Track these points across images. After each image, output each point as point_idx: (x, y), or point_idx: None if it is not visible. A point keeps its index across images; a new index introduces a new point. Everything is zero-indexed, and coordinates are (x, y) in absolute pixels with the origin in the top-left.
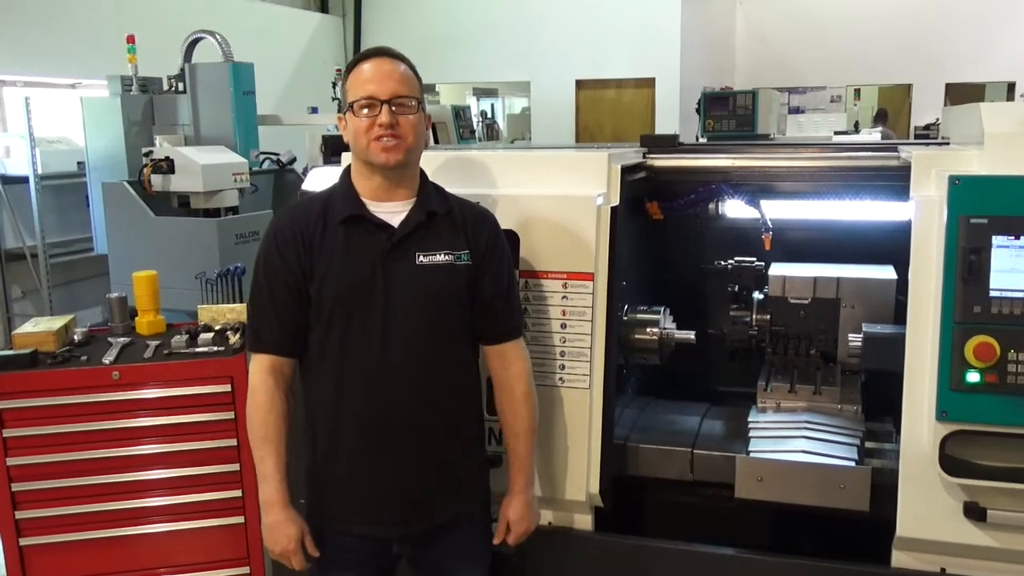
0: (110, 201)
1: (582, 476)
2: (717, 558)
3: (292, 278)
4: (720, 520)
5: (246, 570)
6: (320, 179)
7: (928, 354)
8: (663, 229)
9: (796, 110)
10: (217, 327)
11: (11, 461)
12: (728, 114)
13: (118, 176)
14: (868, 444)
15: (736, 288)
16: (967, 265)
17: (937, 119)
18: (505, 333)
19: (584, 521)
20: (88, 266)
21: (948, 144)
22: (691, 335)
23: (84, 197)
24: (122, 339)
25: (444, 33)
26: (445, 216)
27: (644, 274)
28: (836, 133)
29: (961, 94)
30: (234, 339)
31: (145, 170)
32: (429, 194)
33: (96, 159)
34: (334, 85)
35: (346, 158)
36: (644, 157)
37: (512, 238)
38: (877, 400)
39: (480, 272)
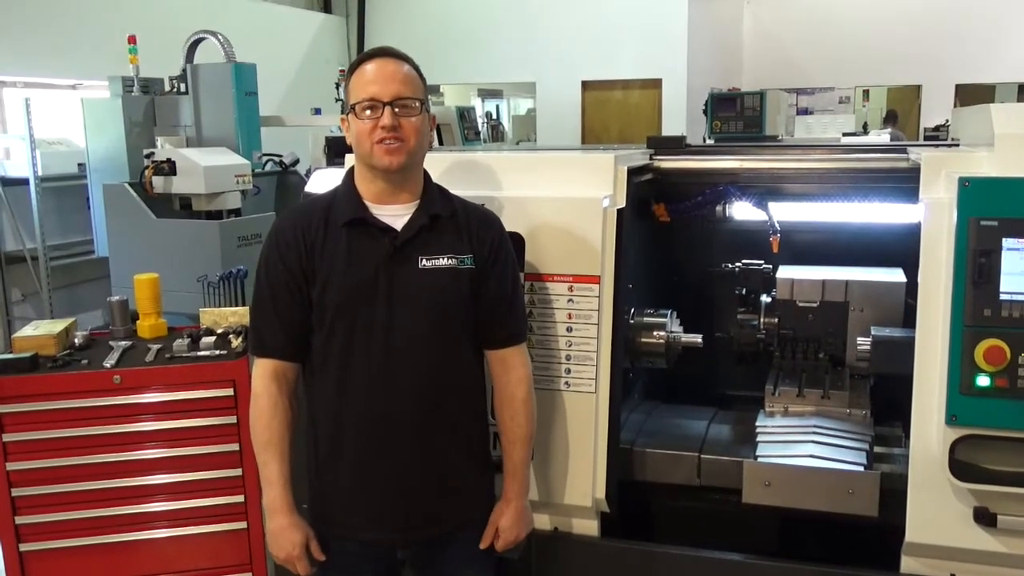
0: (111, 203)
1: (588, 481)
2: (724, 564)
3: (294, 281)
4: (727, 525)
5: None
6: (323, 181)
7: (938, 358)
8: (670, 231)
9: (804, 111)
10: (219, 330)
11: (11, 466)
12: (735, 115)
13: (119, 178)
14: (877, 449)
15: (744, 291)
16: (977, 268)
17: (947, 120)
18: (507, 338)
19: (590, 527)
20: (89, 269)
21: (958, 146)
22: (698, 338)
23: (85, 199)
24: (123, 343)
25: (448, 33)
26: (449, 219)
27: (651, 277)
28: (845, 134)
29: (971, 95)
30: (236, 343)
31: (146, 172)
32: (433, 197)
33: (97, 161)
34: (337, 86)
35: (349, 160)
36: (651, 159)
37: (517, 241)
38: (886, 404)
39: (484, 276)
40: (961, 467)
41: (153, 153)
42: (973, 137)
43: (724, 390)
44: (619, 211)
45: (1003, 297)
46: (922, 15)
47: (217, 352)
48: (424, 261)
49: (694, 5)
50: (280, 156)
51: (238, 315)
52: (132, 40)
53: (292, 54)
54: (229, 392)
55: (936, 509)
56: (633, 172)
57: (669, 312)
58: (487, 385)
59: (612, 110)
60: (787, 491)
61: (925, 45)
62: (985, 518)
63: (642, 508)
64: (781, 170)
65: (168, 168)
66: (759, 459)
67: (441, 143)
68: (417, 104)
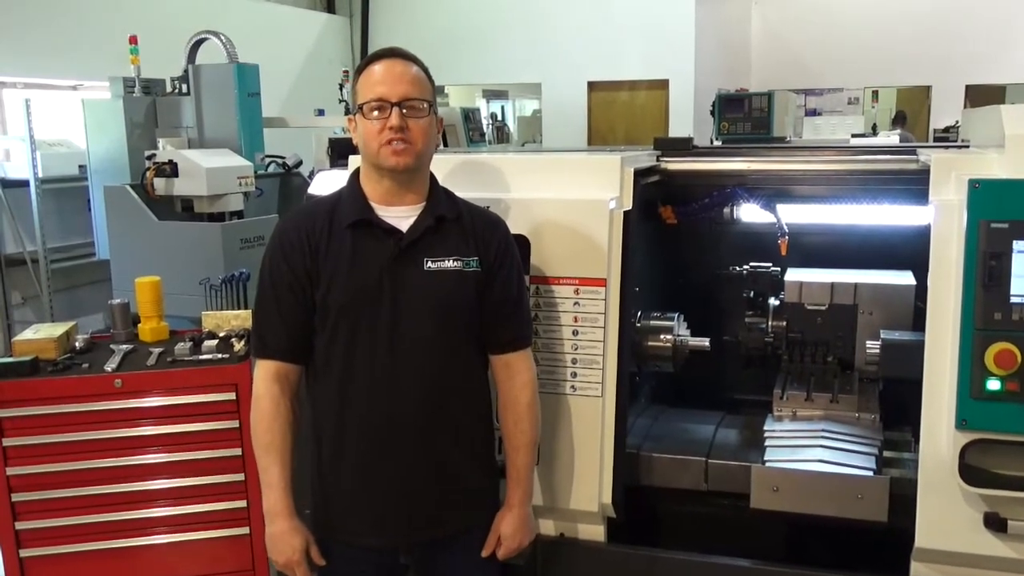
0: (112, 205)
1: (594, 486)
2: (732, 570)
3: (298, 283)
4: (735, 531)
5: None
6: (327, 182)
7: (948, 361)
8: (677, 234)
9: (813, 112)
10: (221, 334)
11: (11, 471)
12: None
13: (120, 180)
14: (886, 453)
15: (751, 294)
16: (987, 270)
17: (957, 121)
18: (512, 342)
19: (596, 532)
20: (90, 271)
21: (968, 147)
22: (705, 342)
23: (86, 201)
24: (124, 346)
25: (453, 34)
26: (455, 221)
27: (657, 280)
28: (853, 136)
29: (981, 96)
30: (239, 346)
31: (148, 173)
32: (439, 199)
33: (98, 162)
34: (341, 87)
35: (353, 161)
36: (658, 160)
37: (523, 243)
38: (895, 408)
39: (489, 279)
40: (971, 472)
41: (155, 155)
42: (983, 138)
43: (732, 394)
44: (625, 213)
45: (1014, 300)
46: (932, 15)
47: (219, 356)
48: (429, 263)
49: (701, 5)
50: (283, 158)
51: (240, 318)
52: (133, 40)
53: (295, 55)
54: (231, 396)
55: (946, 514)
56: (640, 174)
57: (676, 315)
58: (492, 389)
59: (618, 111)
60: (795, 496)
61: (935, 45)
62: (996, 523)
63: (649, 513)
64: (789, 172)
65: (170, 170)
66: (767, 464)
67: (446, 145)
68: (425, 105)
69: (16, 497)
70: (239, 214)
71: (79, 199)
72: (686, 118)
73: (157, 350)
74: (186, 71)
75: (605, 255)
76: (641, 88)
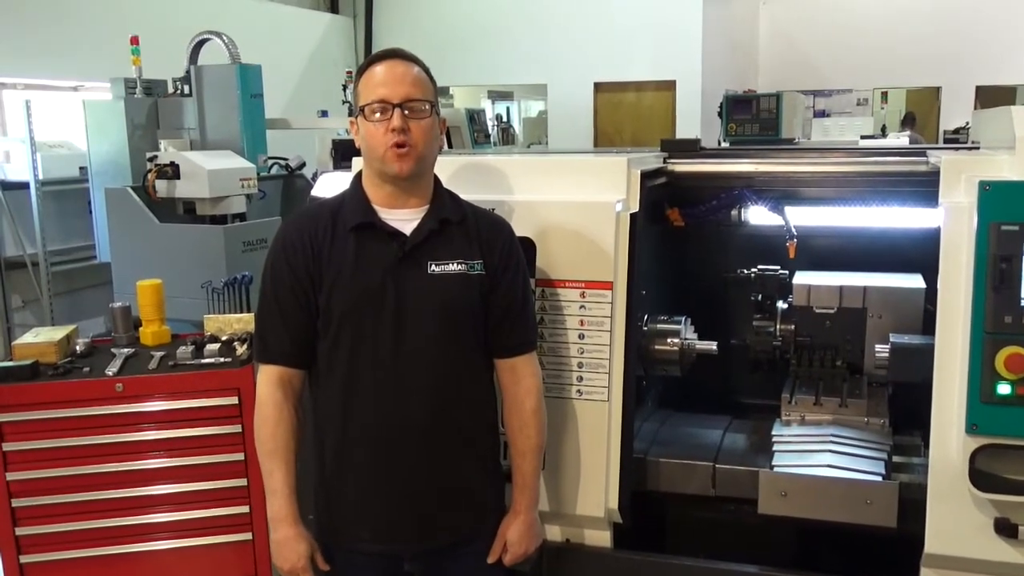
0: (113, 207)
1: (600, 491)
2: None
3: (300, 286)
4: (743, 536)
5: None
6: (330, 184)
7: (958, 365)
8: (684, 236)
9: (821, 113)
10: (224, 337)
11: (11, 476)
12: (751, 118)
13: (121, 182)
14: (896, 458)
15: (759, 297)
16: (998, 273)
17: (967, 123)
18: (517, 346)
19: (602, 538)
20: (90, 275)
21: (978, 148)
22: (713, 346)
23: (86, 203)
24: (126, 350)
25: (458, 34)
26: (459, 224)
27: (664, 283)
28: (863, 137)
29: (992, 97)
30: (241, 350)
31: (149, 175)
32: (443, 201)
33: (99, 164)
34: (344, 88)
35: (357, 163)
36: (664, 162)
37: (529, 246)
38: (905, 413)
39: (494, 283)
40: (982, 477)
41: (156, 156)
42: (994, 140)
43: (739, 398)
44: (632, 215)
45: None
46: (941, 15)
47: (221, 360)
48: (433, 266)
49: (709, 5)
50: (286, 159)
51: (243, 322)
52: (135, 41)
53: (298, 55)
54: (234, 400)
55: (956, 520)
56: (647, 176)
57: (683, 319)
58: (497, 393)
59: (625, 112)
60: (804, 501)
61: (945, 46)
62: (1006, 529)
63: (656, 519)
64: (798, 174)
65: (171, 172)
66: (775, 469)
67: (451, 146)
68: (427, 107)
69: (16, 502)
70: (241, 216)
71: (80, 201)
72: (693, 119)
73: (159, 354)
74: (188, 72)
75: (611, 258)
76: (648, 89)
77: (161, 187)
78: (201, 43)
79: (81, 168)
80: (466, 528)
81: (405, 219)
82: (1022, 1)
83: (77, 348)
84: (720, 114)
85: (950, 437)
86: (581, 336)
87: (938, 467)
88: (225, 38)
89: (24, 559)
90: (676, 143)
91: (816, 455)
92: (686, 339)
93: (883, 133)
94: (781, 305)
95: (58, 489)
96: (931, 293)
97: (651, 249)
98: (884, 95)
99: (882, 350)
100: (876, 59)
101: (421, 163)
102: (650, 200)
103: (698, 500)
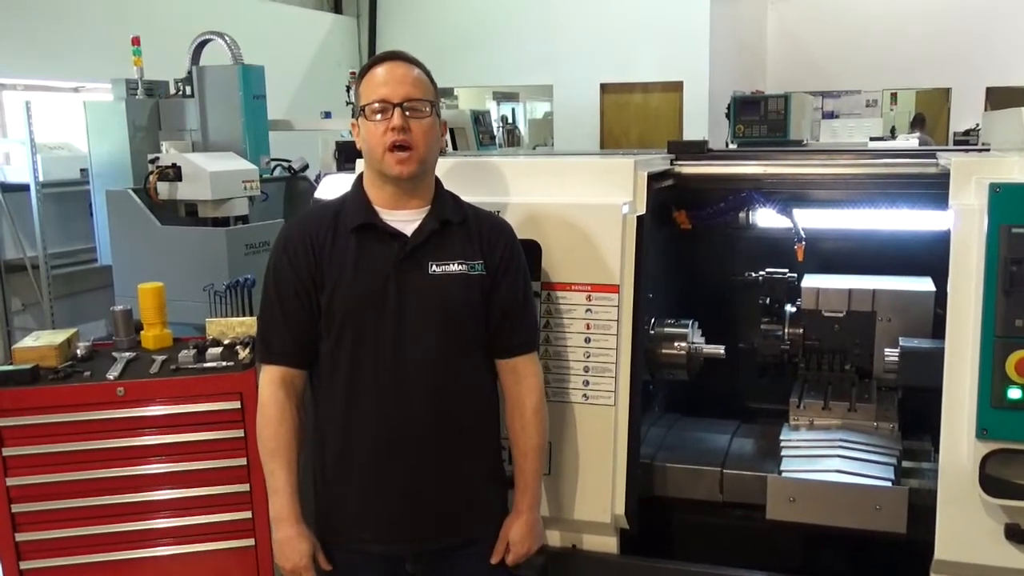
0: (114, 210)
1: (607, 496)
2: None
3: (302, 287)
4: (751, 542)
5: None
6: (333, 187)
7: (968, 370)
8: (691, 239)
9: (830, 115)
10: (226, 341)
11: (11, 481)
12: (759, 119)
13: (123, 184)
14: (905, 463)
15: (767, 301)
16: (1009, 276)
17: (977, 124)
18: (518, 347)
19: (608, 543)
20: (91, 278)
21: (988, 150)
22: (720, 350)
23: (87, 206)
24: (127, 354)
25: (463, 34)
26: (460, 225)
27: (671, 286)
28: (872, 139)
29: (1002, 98)
30: (244, 354)
31: (151, 177)
32: (444, 202)
33: (100, 166)
34: (348, 89)
35: (360, 165)
36: (672, 164)
37: (534, 249)
38: (915, 417)
39: (495, 283)
40: (992, 482)
41: (158, 158)
42: (1004, 141)
43: (747, 403)
44: (639, 218)
45: None
46: (951, 16)
47: (224, 363)
48: (434, 267)
49: (716, 5)
50: (289, 161)
51: (245, 325)
52: (136, 41)
53: (301, 56)
54: (236, 405)
55: (966, 526)
56: (653, 178)
57: (690, 322)
58: (499, 395)
59: (632, 114)
60: (812, 507)
61: (955, 46)
62: (1017, 535)
63: (663, 525)
64: (806, 176)
65: (173, 174)
66: (783, 474)
67: (455, 148)
68: (428, 107)
69: (16, 508)
70: (244, 219)
71: (80, 203)
72: (701, 121)
73: (160, 358)
74: (190, 73)
75: (618, 261)
76: (655, 90)
77: (163, 189)
78: (203, 44)
79: (82, 170)
80: (467, 529)
81: (406, 220)
82: None
83: (78, 352)
84: (728, 115)
85: (960, 442)
86: (587, 340)
87: (948, 472)
88: (227, 38)
89: (24, 565)
90: (683, 145)
91: (825, 460)
92: (693, 343)
93: (892, 135)
94: (789, 309)
95: (59, 494)
96: (941, 296)
97: (658, 252)
98: (893, 96)
99: (891, 354)
100: (885, 60)
101: (421, 165)
102: (657, 202)
103: (705, 506)
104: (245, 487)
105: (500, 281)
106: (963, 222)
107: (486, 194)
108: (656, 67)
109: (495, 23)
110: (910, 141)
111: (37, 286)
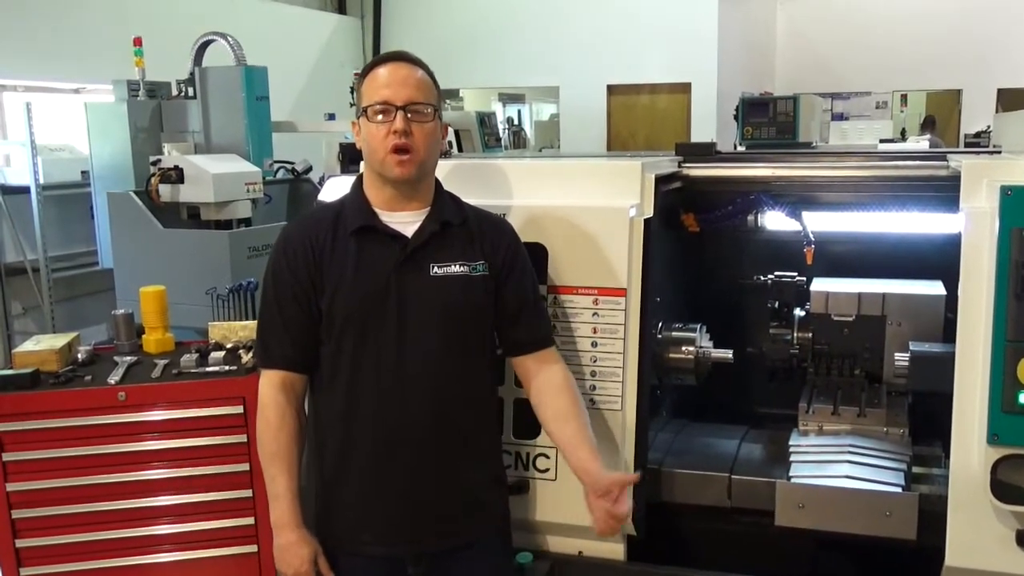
0: (116, 212)
1: None
2: None
3: (302, 291)
4: (759, 549)
5: None
6: (337, 189)
7: (979, 374)
8: (699, 242)
9: (839, 117)
10: (229, 345)
11: (11, 487)
12: (768, 121)
13: (124, 186)
14: (915, 469)
15: (776, 304)
16: (1020, 280)
17: (988, 126)
18: (541, 340)
19: (616, 550)
20: (92, 281)
21: (1000, 152)
22: (729, 354)
23: (88, 208)
24: (128, 358)
25: (468, 35)
26: (460, 226)
27: (679, 290)
28: (882, 141)
29: (1014, 100)
30: (247, 358)
31: (153, 180)
32: (444, 203)
33: (101, 168)
34: (352, 90)
35: (362, 167)
36: (679, 166)
37: (540, 252)
38: (925, 423)
39: (501, 284)
40: (1003, 488)
41: (160, 160)
42: (1016, 143)
43: (756, 408)
44: (646, 221)
45: None
46: (962, 16)
47: (226, 368)
48: (435, 269)
49: (725, 6)
50: (292, 163)
51: (248, 329)
52: (138, 42)
53: (305, 57)
54: (239, 410)
55: (977, 532)
56: (661, 180)
57: (698, 326)
58: (499, 397)
59: (639, 115)
60: (822, 513)
61: (965, 48)
62: None
63: (671, 531)
64: (815, 178)
65: (175, 176)
66: (792, 480)
67: (461, 150)
68: (430, 110)
69: (16, 514)
70: (247, 221)
71: (81, 206)
72: (709, 122)
73: (162, 362)
74: (192, 74)
75: (625, 264)
76: (662, 91)
77: (165, 191)
78: (206, 44)
79: (83, 172)
80: (468, 531)
81: (406, 221)
82: None
83: (79, 356)
84: (736, 117)
85: (971, 447)
86: (594, 344)
87: (959, 478)
88: (230, 39)
89: (24, 572)
90: (691, 147)
91: (834, 466)
92: (701, 347)
93: (903, 137)
94: (798, 312)
95: (59, 500)
96: (951, 300)
97: (665, 255)
98: (904, 98)
99: (902, 359)
100: (895, 61)
101: (422, 168)
102: (664, 205)
103: (714, 512)
104: (248, 493)
105: (507, 281)
106: (974, 225)
107: (492, 196)
108: (664, 68)
109: (500, 23)
110: (920, 143)
111: (38, 289)
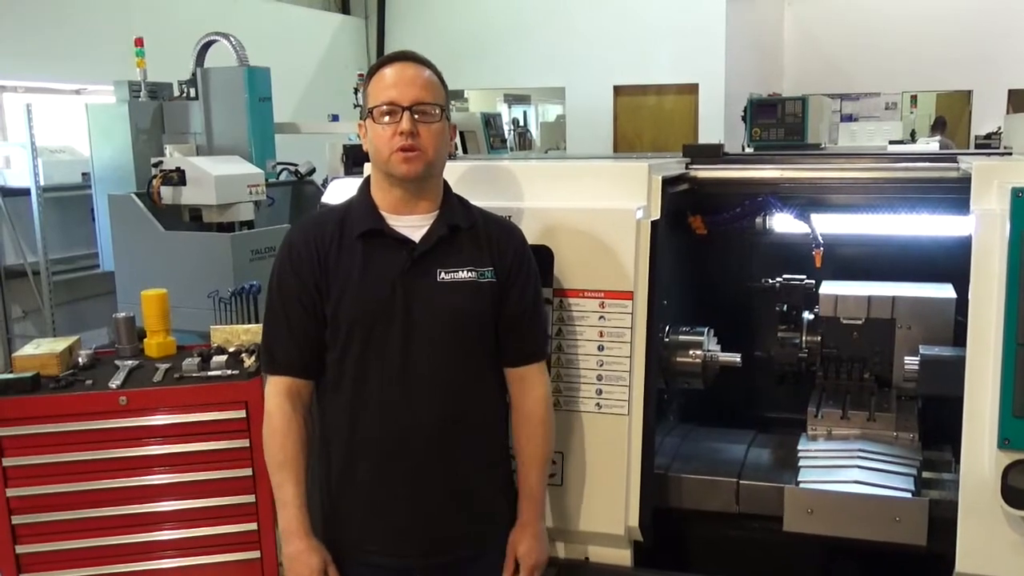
0: (117, 214)
1: (620, 508)
2: None
3: (307, 296)
4: (767, 555)
5: None
6: (341, 191)
7: (989, 378)
8: (707, 245)
9: (849, 118)
10: (231, 349)
11: (11, 492)
12: (776, 122)
13: (125, 188)
14: (925, 474)
15: (785, 308)
16: None
17: (999, 127)
18: (528, 355)
19: (622, 556)
20: (93, 284)
21: (1011, 154)
22: (736, 358)
23: (89, 210)
24: (130, 362)
25: (474, 35)
26: (469, 230)
27: (686, 293)
28: (891, 142)
29: None
30: (249, 362)
31: (154, 181)
32: (452, 207)
33: (102, 170)
34: (356, 91)
35: (367, 168)
36: (687, 168)
37: (546, 254)
38: (935, 427)
39: (505, 290)
40: (1014, 493)
41: (161, 162)
42: None
43: (764, 412)
44: (653, 223)
45: None
46: (973, 16)
47: (229, 372)
48: (443, 274)
49: (732, 6)
50: (295, 165)
51: (251, 333)
52: (139, 43)
53: (308, 57)
54: (241, 414)
55: (988, 538)
56: (668, 182)
57: (706, 330)
58: (506, 403)
59: (646, 116)
60: (830, 519)
61: (976, 48)
62: None
63: (677, 536)
64: (824, 180)
65: (177, 178)
66: (801, 485)
67: (466, 151)
68: (437, 111)
69: (16, 519)
70: (249, 224)
71: (82, 208)
72: (716, 124)
73: (164, 366)
74: (194, 75)
75: (632, 267)
76: (669, 92)
77: (166, 193)
78: (208, 45)
79: (84, 174)
80: (476, 540)
81: (414, 225)
82: None
83: (80, 360)
84: (744, 118)
85: (982, 452)
86: (600, 347)
87: (969, 483)
88: (233, 40)
89: None
90: (698, 148)
91: (843, 471)
92: (709, 351)
93: (912, 138)
94: (807, 316)
95: (60, 506)
96: (962, 303)
97: (673, 258)
98: (913, 99)
99: (911, 362)
100: (905, 62)
101: (430, 167)
102: (672, 207)
103: (721, 517)
104: (251, 498)
105: (510, 287)
106: (985, 227)
107: (497, 199)
108: (671, 69)
109: (506, 24)
110: (931, 144)
111: (38, 292)
